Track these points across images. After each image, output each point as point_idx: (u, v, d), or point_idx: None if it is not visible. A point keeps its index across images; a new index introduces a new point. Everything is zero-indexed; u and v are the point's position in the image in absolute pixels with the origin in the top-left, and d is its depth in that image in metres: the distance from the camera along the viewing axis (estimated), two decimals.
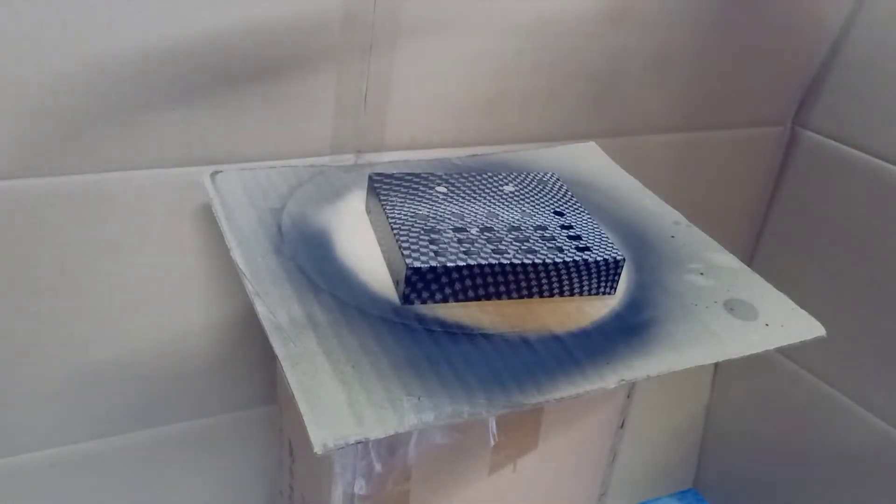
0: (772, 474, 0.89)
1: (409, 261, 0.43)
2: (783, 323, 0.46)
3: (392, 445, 0.49)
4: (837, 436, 0.80)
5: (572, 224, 0.49)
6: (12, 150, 0.50)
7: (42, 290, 0.55)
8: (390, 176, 0.51)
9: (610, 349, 0.42)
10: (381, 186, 0.50)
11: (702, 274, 0.50)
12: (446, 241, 0.45)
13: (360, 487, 0.49)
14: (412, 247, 0.44)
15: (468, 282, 0.44)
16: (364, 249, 0.48)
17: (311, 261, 0.46)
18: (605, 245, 0.47)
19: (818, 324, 0.47)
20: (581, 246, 0.46)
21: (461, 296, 0.44)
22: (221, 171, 0.53)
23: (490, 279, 0.44)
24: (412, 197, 0.49)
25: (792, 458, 0.86)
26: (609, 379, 0.40)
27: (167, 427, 0.65)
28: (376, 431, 0.35)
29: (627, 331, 0.44)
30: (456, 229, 0.47)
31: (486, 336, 0.42)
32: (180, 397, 0.64)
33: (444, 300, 0.44)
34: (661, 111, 0.71)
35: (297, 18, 0.53)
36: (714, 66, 0.71)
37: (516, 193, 0.52)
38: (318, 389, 0.37)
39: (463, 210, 0.49)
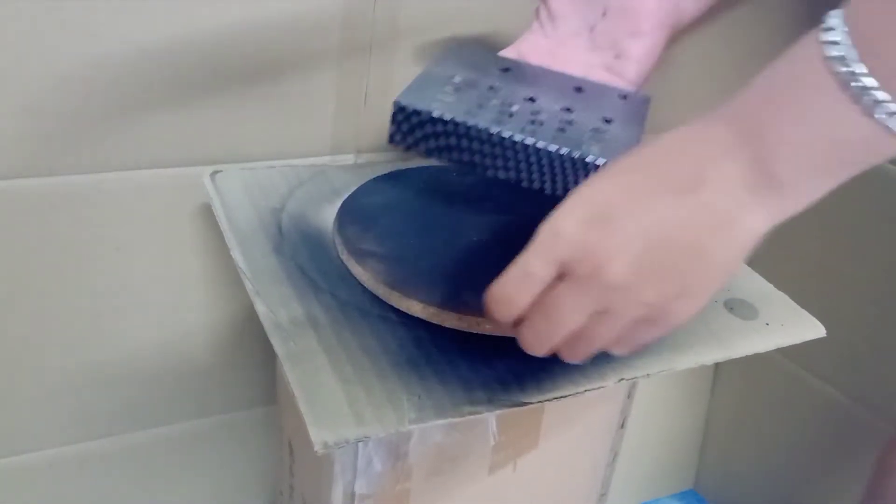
0: (772, 474, 0.89)
1: (400, 97, 0.40)
2: (783, 322, 0.46)
3: (392, 444, 0.49)
4: (837, 436, 0.80)
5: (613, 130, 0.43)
6: (12, 149, 0.50)
7: (42, 290, 0.55)
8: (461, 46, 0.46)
9: None
10: (442, 53, 0.45)
11: None
12: (471, 96, 0.41)
13: (360, 487, 0.49)
14: (419, 87, 0.41)
15: (452, 140, 0.40)
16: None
17: (311, 260, 0.46)
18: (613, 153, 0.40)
19: (818, 324, 0.47)
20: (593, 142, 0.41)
21: (445, 154, 0.41)
22: (221, 171, 0.53)
23: (476, 146, 0.40)
24: (472, 67, 0.44)
25: (792, 459, 0.86)
26: (609, 378, 0.40)
27: (167, 427, 0.65)
28: (376, 430, 0.35)
29: None
30: (491, 88, 0.43)
31: (486, 334, 0.42)
32: (180, 397, 0.64)
33: (430, 153, 0.41)
34: (660, 111, 0.71)
35: (297, 18, 0.53)
36: (714, 67, 0.71)
37: (581, 94, 0.45)
38: (319, 388, 0.37)
39: (521, 87, 0.43)
